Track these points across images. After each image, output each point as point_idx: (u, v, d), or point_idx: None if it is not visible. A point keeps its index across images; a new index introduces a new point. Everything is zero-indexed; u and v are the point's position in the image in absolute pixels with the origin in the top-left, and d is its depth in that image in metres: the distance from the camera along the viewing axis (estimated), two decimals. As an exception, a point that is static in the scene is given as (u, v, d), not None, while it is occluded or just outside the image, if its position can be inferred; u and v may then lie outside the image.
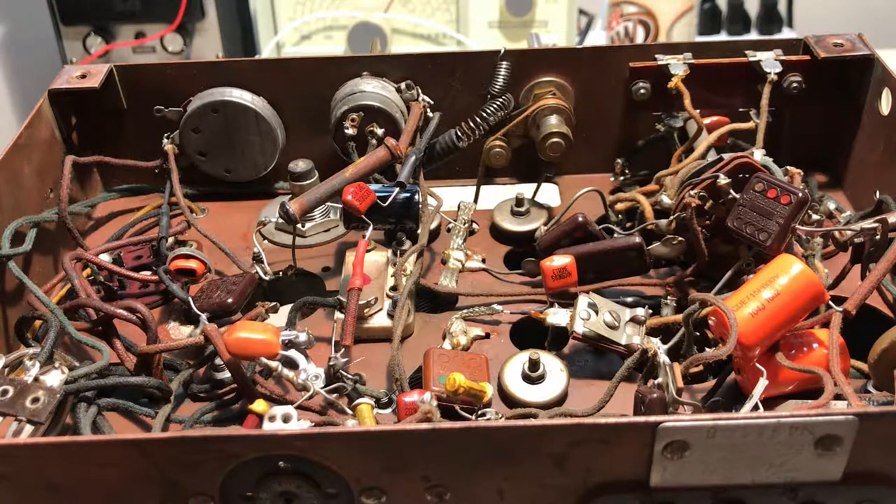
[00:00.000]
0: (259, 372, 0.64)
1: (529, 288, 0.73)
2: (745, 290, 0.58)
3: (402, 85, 0.83)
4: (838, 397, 0.53)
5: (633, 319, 0.65)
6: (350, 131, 0.79)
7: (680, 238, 0.69)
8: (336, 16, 1.34)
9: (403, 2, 1.33)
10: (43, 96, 0.81)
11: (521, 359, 0.64)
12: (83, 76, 0.82)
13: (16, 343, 0.69)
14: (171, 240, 0.77)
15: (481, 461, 0.48)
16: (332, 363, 0.63)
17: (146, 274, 0.73)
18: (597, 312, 0.65)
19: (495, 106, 0.80)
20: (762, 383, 0.55)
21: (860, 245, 0.62)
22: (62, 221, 0.76)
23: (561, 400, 0.63)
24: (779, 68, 0.80)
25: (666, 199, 0.70)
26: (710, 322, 0.59)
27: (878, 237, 0.61)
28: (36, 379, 0.57)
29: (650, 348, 0.61)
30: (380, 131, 0.79)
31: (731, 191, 0.65)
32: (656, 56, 0.82)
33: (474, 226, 0.82)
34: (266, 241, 0.82)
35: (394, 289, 0.71)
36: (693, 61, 0.81)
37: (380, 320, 0.69)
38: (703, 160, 0.73)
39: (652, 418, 0.47)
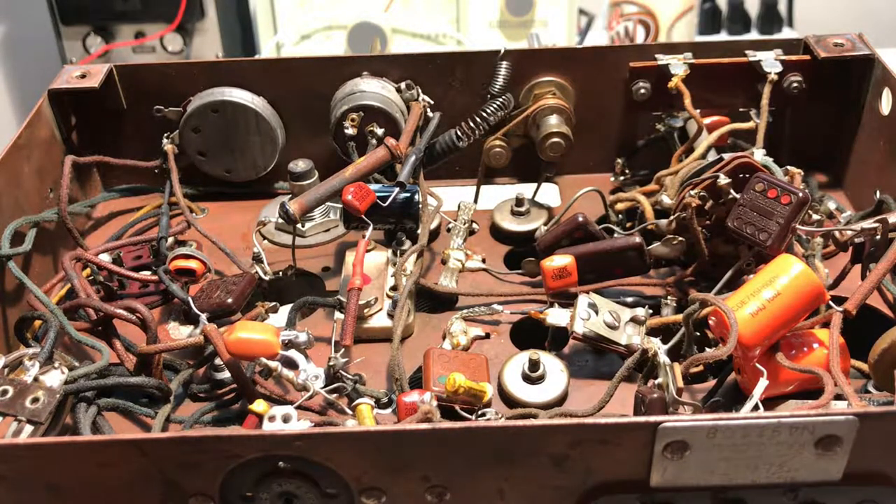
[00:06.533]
0: (259, 372, 0.64)
1: (529, 288, 0.73)
2: (745, 290, 0.57)
3: (402, 85, 0.83)
4: (838, 397, 0.53)
5: (633, 319, 0.65)
6: (350, 131, 0.79)
7: (680, 238, 0.69)
8: (336, 16, 1.34)
9: (403, 2, 1.33)
10: (43, 96, 0.81)
11: (521, 359, 0.64)
12: (83, 76, 0.82)
13: (16, 343, 0.69)
14: (170, 240, 0.77)
15: (481, 461, 0.48)
16: (332, 363, 0.63)
17: (146, 274, 0.73)
18: (597, 312, 0.65)
19: (495, 106, 0.80)
20: (762, 383, 0.55)
21: (860, 245, 0.62)
22: (62, 221, 0.76)
23: (561, 400, 0.63)
24: (779, 68, 0.80)
25: (666, 199, 0.70)
26: (710, 322, 0.59)
27: (878, 237, 0.61)
28: (36, 379, 0.57)
29: (650, 348, 0.61)
30: (380, 131, 0.79)
31: (732, 191, 0.65)
32: (656, 56, 0.82)
33: (474, 226, 0.82)
34: (266, 241, 0.82)
35: (394, 289, 0.71)
36: (693, 61, 0.81)
37: (380, 320, 0.69)
38: (704, 160, 0.73)
39: (652, 418, 0.47)
